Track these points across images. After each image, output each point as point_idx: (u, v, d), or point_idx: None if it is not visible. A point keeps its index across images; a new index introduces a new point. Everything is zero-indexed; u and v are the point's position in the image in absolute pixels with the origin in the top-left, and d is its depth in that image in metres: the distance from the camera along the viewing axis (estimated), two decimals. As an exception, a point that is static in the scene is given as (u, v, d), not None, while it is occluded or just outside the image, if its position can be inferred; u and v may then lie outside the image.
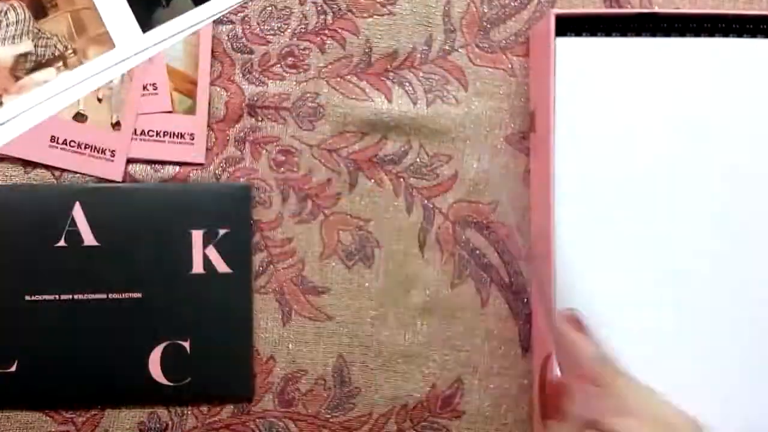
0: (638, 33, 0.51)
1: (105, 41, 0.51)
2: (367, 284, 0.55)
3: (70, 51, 0.51)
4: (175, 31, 0.50)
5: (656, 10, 0.53)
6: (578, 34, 0.51)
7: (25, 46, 0.51)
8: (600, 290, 0.50)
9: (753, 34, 0.51)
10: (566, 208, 0.50)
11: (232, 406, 0.54)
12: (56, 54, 0.51)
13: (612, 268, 0.50)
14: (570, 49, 0.50)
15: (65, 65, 0.51)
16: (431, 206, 0.56)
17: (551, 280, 0.49)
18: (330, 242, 0.55)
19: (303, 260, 0.55)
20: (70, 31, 0.52)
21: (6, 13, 0.51)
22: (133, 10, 0.51)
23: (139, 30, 0.51)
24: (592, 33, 0.51)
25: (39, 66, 0.51)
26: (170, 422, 0.53)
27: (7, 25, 0.51)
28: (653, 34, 0.51)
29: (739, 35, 0.51)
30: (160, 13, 0.51)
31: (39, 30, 0.51)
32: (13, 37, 0.51)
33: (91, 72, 0.50)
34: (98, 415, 0.53)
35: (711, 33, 0.51)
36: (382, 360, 0.55)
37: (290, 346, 0.54)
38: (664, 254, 0.50)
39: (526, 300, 0.55)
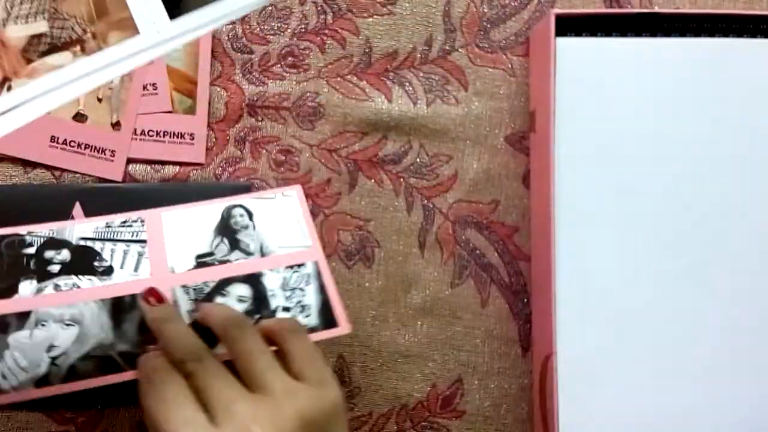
0: (638, 33, 0.51)
1: (128, 26, 0.46)
2: (367, 284, 0.55)
3: (88, 35, 0.46)
4: (205, 21, 0.46)
5: (656, 10, 0.53)
6: (578, 34, 0.51)
7: (40, 26, 0.46)
8: (600, 289, 0.50)
9: (753, 34, 0.51)
10: (566, 208, 0.50)
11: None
12: (73, 37, 0.46)
13: (612, 267, 0.50)
14: (570, 49, 0.50)
15: (83, 50, 0.46)
16: (431, 206, 0.56)
17: (551, 280, 0.49)
18: (330, 242, 0.55)
19: (303, 260, 0.55)
20: (90, 13, 0.47)
21: None
22: None
23: (167, 17, 0.46)
24: (592, 33, 0.51)
25: (54, 49, 0.46)
26: (170, 422, 0.53)
27: (21, 3, 0.46)
28: (653, 34, 0.51)
29: (739, 35, 0.51)
30: (189, 3, 0.46)
31: (56, 10, 0.46)
32: (27, 16, 0.46)
33: (111, 59, 0.46)
34: (98, 415, 0.53)
35: (711, 33, 0.51)
36: (382, 360, 0.55)
37: (290, 346, 0.54)
38: (663, 253, 0.50)
39: (526, 300, 0.55)
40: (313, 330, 0.47)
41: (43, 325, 0.45)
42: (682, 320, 0.50)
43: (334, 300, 0.49)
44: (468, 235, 0.56)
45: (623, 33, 0.51)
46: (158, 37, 0.45)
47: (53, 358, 0.44)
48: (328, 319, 0.48)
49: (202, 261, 0.49)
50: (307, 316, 0.48)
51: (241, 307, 0.46)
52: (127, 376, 0.42)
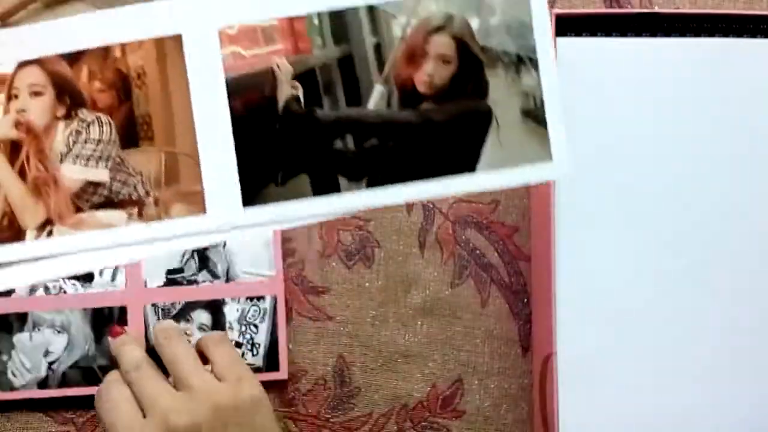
0: (638, 33, 0.51)
1: (195, 202, 0.39)
2: (367, 284, 0.55)
3: (151, 199, 0.39)
4: (281, 217, 0.38)
5: (656, 10, 0.53)
6: (578, 34, 0.51)
7: (100, 174, 0.39)
8: (600, 289, 0.50)
9: (753, 34, 0.51)
10: (566, 208, 0.50)
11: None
12: (134, 197, 0.39)
13: (612, 267, 0.50)
14: (570, 49, 0.50)
15: (140, 214, 0.39)
16: (431, 206, 0.56)
17: (551, 280, 0.49)
18: (330, 242, 0.55)
19: (303, 260, 0.55)
20: (159, 175, 0.40)
21: (89, 125, 0.39)
22: (240, 176, 0.38)
23: (240, 202, 0.38)
24: (592, 33, 0.51)
25: (108, 204, 0.39)
26: (170, 422, 0.53)
27: (86, 141, 0.39)
28: (653, 34, 0.51)
29: (739, 35, 0.51)
30: (271, 191, 0.39)
31: (122, 161, 0.39)
32: (89, 159, 0.39)
33: (168, 233, 0.39)
34: (98, 415, 0.53)
35: (711, 33, 0.51)
36: (382, 360, 0.55)
37: (290, 346, 0.54)
38: (663, 253, 0.50)
39: (526, 300, 0.55)
40: (257, 370, 0.52)
41: (38, 329, 0.51)
42: (682, 320, 0.50)
43: (281, 343, 0.53)
44: (468, 235, 0.56)
45: (623, 33, 0.51)
46: (224, 222, 0.39)
47: (50, 363, 0.51)
48: (272, 361, 0.53)
49: (172, 278, 0.52)
50: (255, 355, 0.52)
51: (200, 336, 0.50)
52: None
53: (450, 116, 0.38)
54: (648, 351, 0.50)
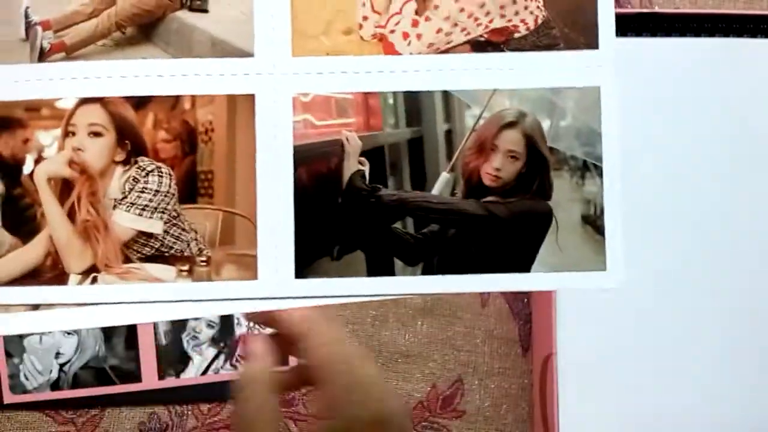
0: (638, 33, 0.51)
1: (247, 266, 0.37)
2: (367, 284, 0.55)
3: (203, 258, 0.38)
4: (331, 292, 0.38)
5: (656, 10, 0.53)
6: (578, 34, 0.51)
7: (154, 225, 0.38)
8: (601, 290, 0.50)
9: (753, 34, 0.51)
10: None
11: (232, 406, 0.54)
12: (186, 254, 0.38)
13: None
14: (570, 49, 0.50)
15: (190, 273, 0.38)
16: (431, 206, 0.56)
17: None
18: (330, 242, 0.55)
19: (303, 260, 0.55)
20: (214, 235, 0.38)
21: (148, 174, 0.38)
22: (296, 247, 0.38)
23: (293, 273, 0.38)
24: (592, 33, 0.51)
25: (159, 258, 0.38)
26: (170, 422, 0.53)
27: (143, 190, 0.38)
28: (653, 34, 0.51)
29: (739, 35, 0.51)
30: (324, 264, 0.38)
31: (178, 215, 0.38)
32: (144, 208, 0.38)
33: (216, 295, 0.38)
34: (98, 415, 0.53)
35: (711, 33, 0.51)
36: (382, 360, 0.55)
37: (290, 346, 0.54)
38: (663, 253, 0.50)
39: (526, 300, 0.55)
40: None
41: (49, 331, 0.50)
42: (682, 320, 0.50)
43: None
44: (468, 235, 0.56)
45: (624, 33, 0.51)
46: (274, 291, 0.38)
47: (61, 365, 0.51)
48: None
49: None
50: None
51: (209, 333, 0.50)
52: (119, 388, 0.51)
53: (512, 213, 0.38)
54: (648, 351, 0.50)
